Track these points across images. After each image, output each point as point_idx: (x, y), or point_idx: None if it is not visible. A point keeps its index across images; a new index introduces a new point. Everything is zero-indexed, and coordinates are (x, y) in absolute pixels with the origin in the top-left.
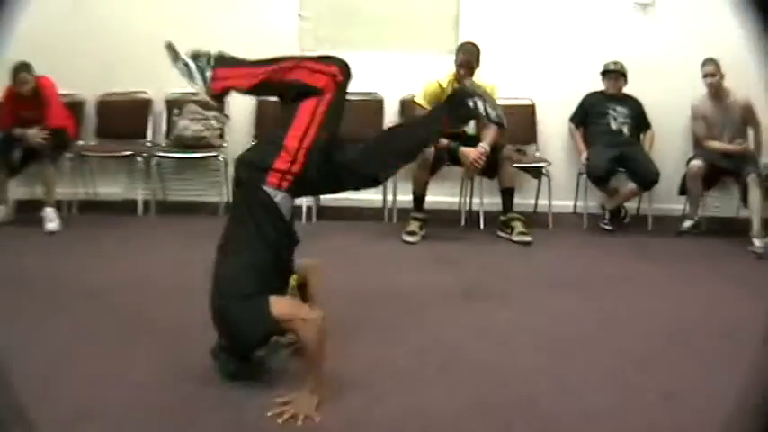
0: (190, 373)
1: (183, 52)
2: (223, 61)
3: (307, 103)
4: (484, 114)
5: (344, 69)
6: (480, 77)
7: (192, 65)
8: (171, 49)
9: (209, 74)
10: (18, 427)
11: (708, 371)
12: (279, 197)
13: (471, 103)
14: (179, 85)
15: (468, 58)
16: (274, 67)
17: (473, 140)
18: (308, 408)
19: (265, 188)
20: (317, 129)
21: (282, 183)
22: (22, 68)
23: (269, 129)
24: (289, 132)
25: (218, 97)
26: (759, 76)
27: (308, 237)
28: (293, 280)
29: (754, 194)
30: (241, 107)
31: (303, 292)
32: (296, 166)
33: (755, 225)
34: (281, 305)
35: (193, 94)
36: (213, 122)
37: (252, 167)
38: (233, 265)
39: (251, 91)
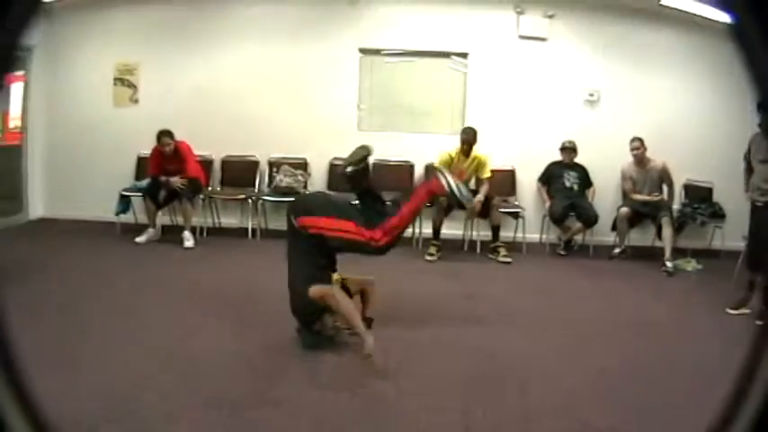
0: (284, 345)
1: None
2: None
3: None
4: (457, 194)
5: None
6: (478, 150)
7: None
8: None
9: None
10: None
11: (631, 351)
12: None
13: (445, 183)
14: (277, 151)
15: (468, 137)
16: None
17: (473, 193)
18: (367, 350)
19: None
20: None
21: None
22: (164, 134)
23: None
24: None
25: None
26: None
27: (361, 257)
28: (336, 275)
29: (666, 230)
30: (319, 168)
31: (363, 297)
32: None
33: (667, 252)
34: (314, 290)
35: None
36: (300, 178)
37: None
38: (294, 271)
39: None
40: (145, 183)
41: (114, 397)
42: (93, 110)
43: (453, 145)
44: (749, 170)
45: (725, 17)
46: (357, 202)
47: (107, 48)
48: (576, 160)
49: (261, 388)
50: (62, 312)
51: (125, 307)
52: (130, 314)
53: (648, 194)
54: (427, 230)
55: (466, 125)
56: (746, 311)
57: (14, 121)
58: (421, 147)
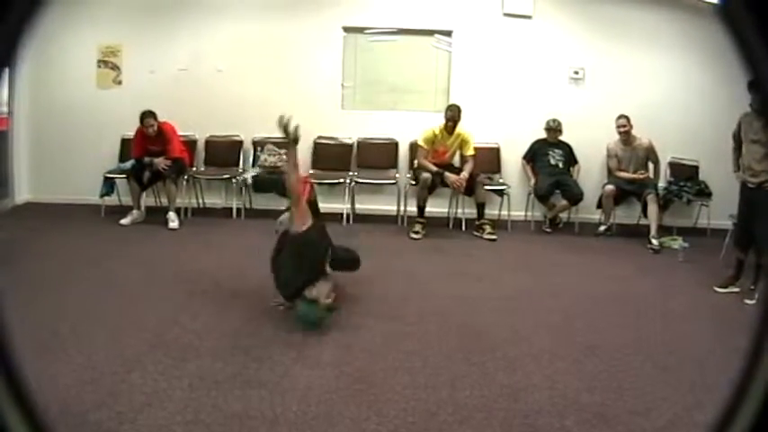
0: (270, 324)
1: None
2: None
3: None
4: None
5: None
6: (462, 128)
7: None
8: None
9: None
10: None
11: (618, 329)
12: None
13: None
14: (261, 130)
15: (453, 114)
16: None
17: (456, 170)
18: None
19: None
20: None
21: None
22: (147, 115)
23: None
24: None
25: None
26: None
27: (347, 234)
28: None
29: (652, 208)
30: (303, 147)
31: None
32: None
33: (653, 229)
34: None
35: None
36: (284, 156)
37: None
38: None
39: None
40: (129, 164)
41: (102, 379)
42: (76, 92)
43: (437, 123)
44: (738, 149)
45: None
46: None
47: (90, 30)
48: (561, 138)
49: (247, 368)
50: (47, 296)
51: (111, 289)
52: (116, 296)
53: (634, 172)
54: (412, 208)
55: (450, 103)
56: (735, 290)
57: (1, 106)
58: (405, 125)
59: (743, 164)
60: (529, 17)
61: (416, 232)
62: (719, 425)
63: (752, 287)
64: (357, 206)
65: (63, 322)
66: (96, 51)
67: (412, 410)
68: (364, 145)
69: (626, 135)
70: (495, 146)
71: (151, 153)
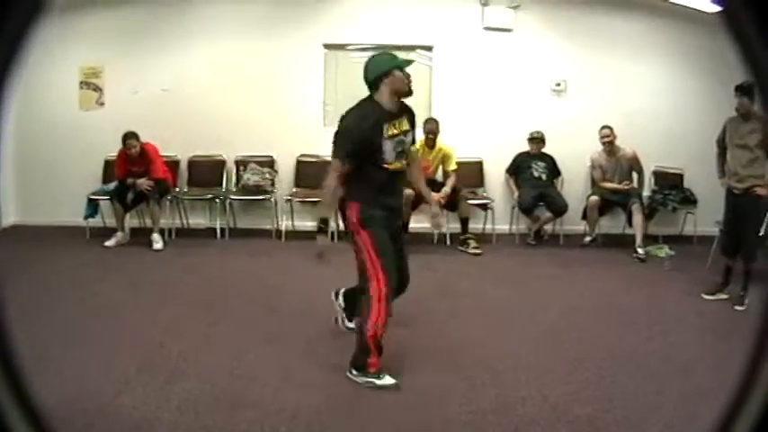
0: (257, 344)
1: None
2: None
3: None
4: None
5: None
6: (444, 143)
7: None
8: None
9: None
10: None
11: (606, 339)
12: None
13: None
14: (244, 150)
15: (432, 127)
16: None
17: (439, 185)
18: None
19: None
20: None
21: None
22: (129, 137)
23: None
24: None
25: None
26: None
27: (332, 253)
28: None
29: (637, 217)
30: (286, 165)
31: None
32: None
33: (638, 239)
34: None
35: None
36: (267, 176)
37: None
38: None
39: None
40: (112, 186)
41: (90, 403)
42: (59, 114)
43: (418, 138)
44: (722, 155)
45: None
46: None
47: (72, 51)
48: (545, 150)
49: (236, 388)
50: (33, 319)
51: (97, 311)
52: (103, 319)
53: (619, 183)
54: None
55: (428, 116)
56: (724, 297)
57: None
58: None
59: (728, 169)
60: (509, 30)
61: None
62: (721, 428)
63: (741, 293)
64: (341, 223)
65: (49, 345)
66: (78, 73)
67: (401, 428)
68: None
69: (610, 145)
70: (478, 160)
71: (134, 174)
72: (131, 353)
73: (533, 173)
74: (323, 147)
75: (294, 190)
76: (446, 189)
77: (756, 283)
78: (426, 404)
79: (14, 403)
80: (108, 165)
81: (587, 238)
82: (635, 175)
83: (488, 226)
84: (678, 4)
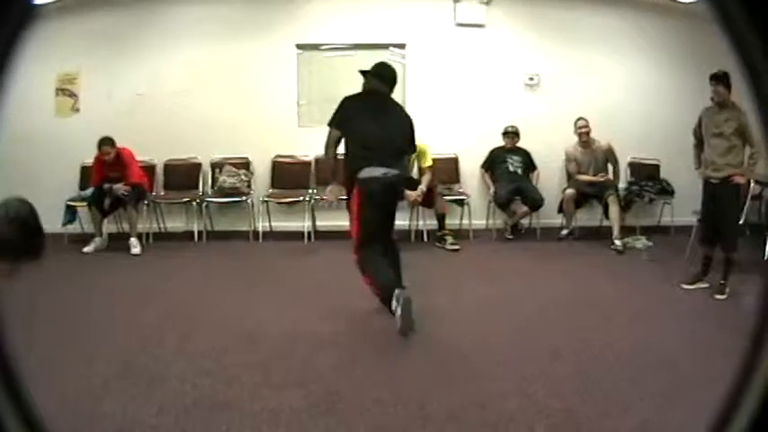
0: (234, 346)
1: None
2: None
3: None
4: None
5: None
6: (418, 139)
7: None
8: None
9: None
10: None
11: (586, 332)
12: None
13: None
14: (219, 152)
15: None
16: None
17: (415, 182)
18: None
19: None
20: None
21: None
22: (105, 142)
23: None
24: None
25: None
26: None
27: (308, 252)
28: None
29: (614, 209)
30: (262, 166)
31: None
32: None
33: (615, 231)
34: None
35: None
36: (243, 177)
37: None
38: None
39: None
40: (89, 192)
41: (72, 408)
42: (35, 121)
43: None
44: (699, 145)
45: None
46: None
47: (47, 58)
48: (520, 144)
49: (214, 390)
50: (13, 324)
51: (77, 317)
52: (82, 324)
53: (594, 175)
54: None
55: None
56: (703, 286)
57: None
58: None
59: (705, 159)
60: (482, 26)
61: None
62: (719, 423)
63: (722, 282)
64: (318, 223)
65: (29, 352)
66: (54, 79)
67: (382, 427)
68: (323, 161)
69: (586, 136)
70: (453, 156)
71: (110, 179)
72: (112, 357)
73: (509, 167)
74: (298, 147)
75: (270, 191)
76: (422, 187)
77: (736, 272)
78: (405, 401)
79: (12, 411)
80: (84, 170)
81: (564, 232)
82: (610, 167)
83: (465, 221)
84: None
